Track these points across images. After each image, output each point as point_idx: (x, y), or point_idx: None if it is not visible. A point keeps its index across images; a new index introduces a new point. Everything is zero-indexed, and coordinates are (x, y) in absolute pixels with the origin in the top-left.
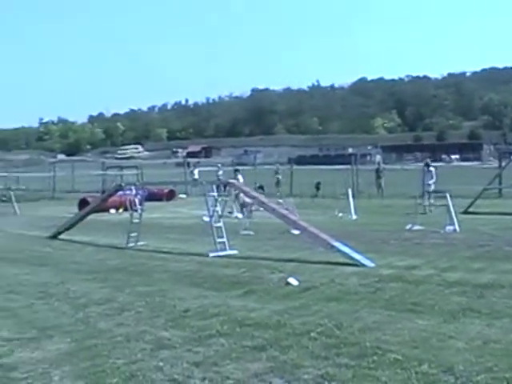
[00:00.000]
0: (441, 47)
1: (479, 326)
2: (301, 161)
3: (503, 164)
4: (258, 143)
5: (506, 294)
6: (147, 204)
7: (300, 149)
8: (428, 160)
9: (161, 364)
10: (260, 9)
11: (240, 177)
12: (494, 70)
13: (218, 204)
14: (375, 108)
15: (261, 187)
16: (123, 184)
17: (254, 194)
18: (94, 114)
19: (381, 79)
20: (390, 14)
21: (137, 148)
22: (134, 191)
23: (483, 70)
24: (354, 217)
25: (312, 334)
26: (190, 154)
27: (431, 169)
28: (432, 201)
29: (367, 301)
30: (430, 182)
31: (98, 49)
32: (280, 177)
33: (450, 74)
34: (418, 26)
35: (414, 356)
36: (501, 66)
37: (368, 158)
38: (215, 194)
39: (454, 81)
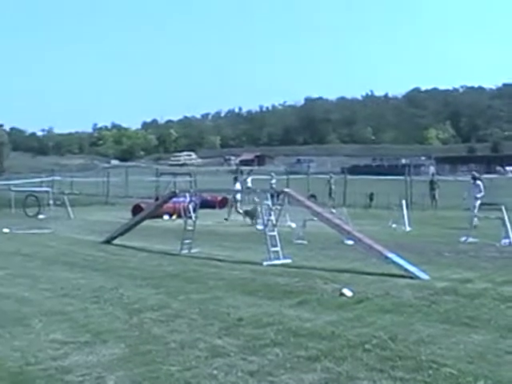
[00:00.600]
0: (495, 57)
1: None
2: (354, 170)
3: None
4: (311, 152)
5: None
6: (200, 211)
7: (353, 158)
8: (474, 172)
9: (215, 372)
10: (310, 18)
11: (238, 185)
12: None
13: (271, 212)
14: (429, 119)
15: (313, 196)
16: (177, 191)
17: (309, 203)
18: (148, 120)
19: (434, 89)
20: (444, 24)
21: (190, 155)
22: (188, 198)
23: None
24: (408, 228)
25: (366, 346)
26: (243, 162)
27: (478, 182)
28: (478, 214)
29: (422, 314)
30: (478, 195)
31: (151, 55)
32: (333, 186)
33: (504, 85)
34: (472, 35)
35: (470, 371)
36: None
37: (422, 168)
38: (269, 202)
39: (510, 91)
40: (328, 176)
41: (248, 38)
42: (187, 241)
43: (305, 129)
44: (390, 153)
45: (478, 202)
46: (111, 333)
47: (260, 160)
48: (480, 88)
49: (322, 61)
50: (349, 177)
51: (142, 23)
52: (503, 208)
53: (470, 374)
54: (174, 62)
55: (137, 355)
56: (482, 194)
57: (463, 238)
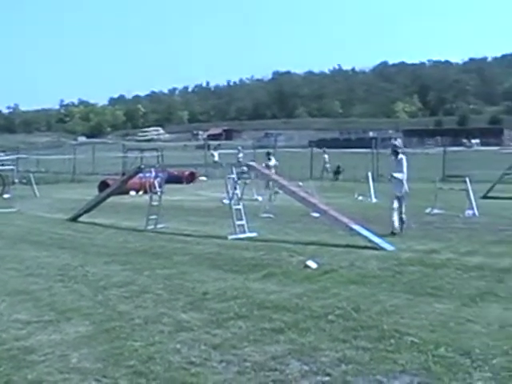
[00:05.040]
0: (461, 32)
1: (497, 309)
2: (321, 144)
3: None
4: (281, 126)
5: None
6: (167, 186)
7: (322, 132)
8: (397, 144)
9: (179, 346)
10: None
11: (273, 159)
12: None
13: (237, 186)
14: (397, 92)
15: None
16: (143, 166)
17: (275, 176)
18: (115, 95)
19: (402, 63)
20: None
21: (157, 130)
22: (153, 173)
23: (504, 56)
24: (374, 200)
25: (330, 317)
26: (211, 137)
27: (401, 157)
28: (395, 205)
29: (386, 284)
30: (397, 175)
31: (119, 30)
32: (328, 161)
33: (471, 59)
34: (439, 10)
35: (432, 339)
36: None
37: (390, 141)
38: (235, 176)
39: (476, 66)
40: (321, 150)
41: (217, 14)
42: (153, 216)
43: (274, 103)
44: (358, 126)
45: (404, 186)
46: (76, 311)
47: (228, 134)
48: (447, 62)
49: (287, 35)
50: (315, 150)
51: None
52: (467, 180)
53: (431, 342)
54: (141, 37)
55: (101, 332)
56: (405, 175)
57: (428, 210)
